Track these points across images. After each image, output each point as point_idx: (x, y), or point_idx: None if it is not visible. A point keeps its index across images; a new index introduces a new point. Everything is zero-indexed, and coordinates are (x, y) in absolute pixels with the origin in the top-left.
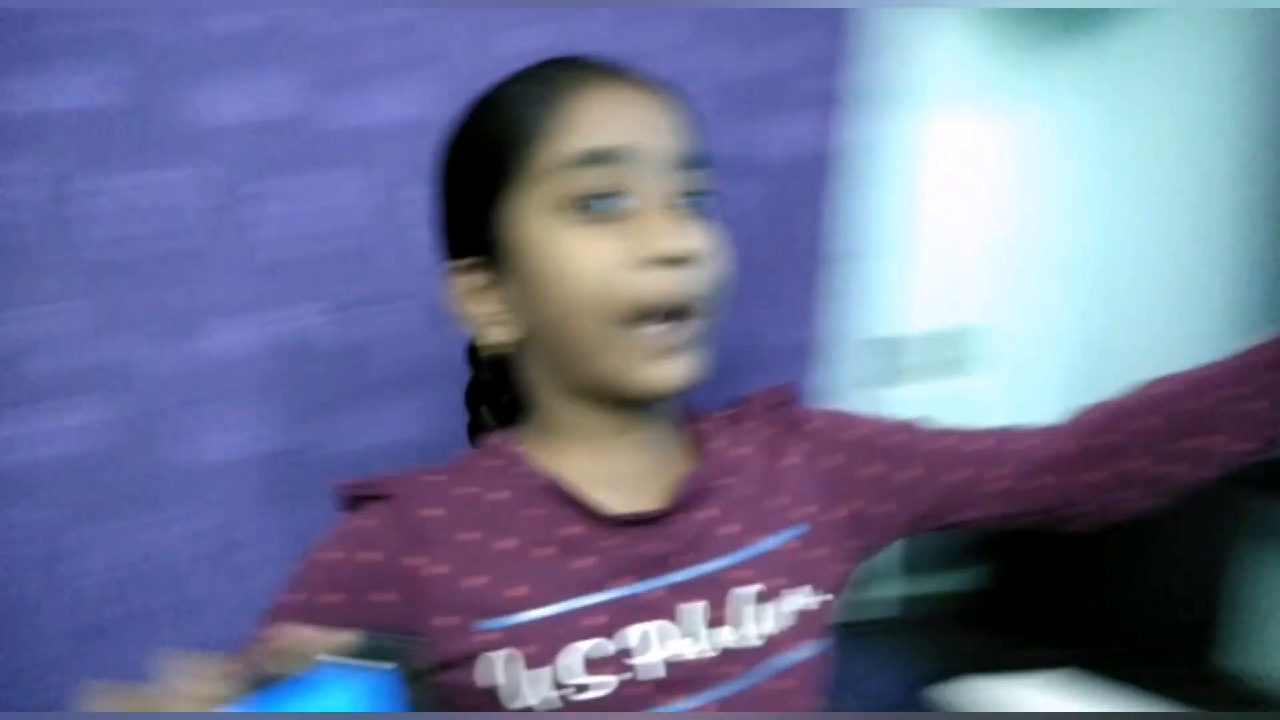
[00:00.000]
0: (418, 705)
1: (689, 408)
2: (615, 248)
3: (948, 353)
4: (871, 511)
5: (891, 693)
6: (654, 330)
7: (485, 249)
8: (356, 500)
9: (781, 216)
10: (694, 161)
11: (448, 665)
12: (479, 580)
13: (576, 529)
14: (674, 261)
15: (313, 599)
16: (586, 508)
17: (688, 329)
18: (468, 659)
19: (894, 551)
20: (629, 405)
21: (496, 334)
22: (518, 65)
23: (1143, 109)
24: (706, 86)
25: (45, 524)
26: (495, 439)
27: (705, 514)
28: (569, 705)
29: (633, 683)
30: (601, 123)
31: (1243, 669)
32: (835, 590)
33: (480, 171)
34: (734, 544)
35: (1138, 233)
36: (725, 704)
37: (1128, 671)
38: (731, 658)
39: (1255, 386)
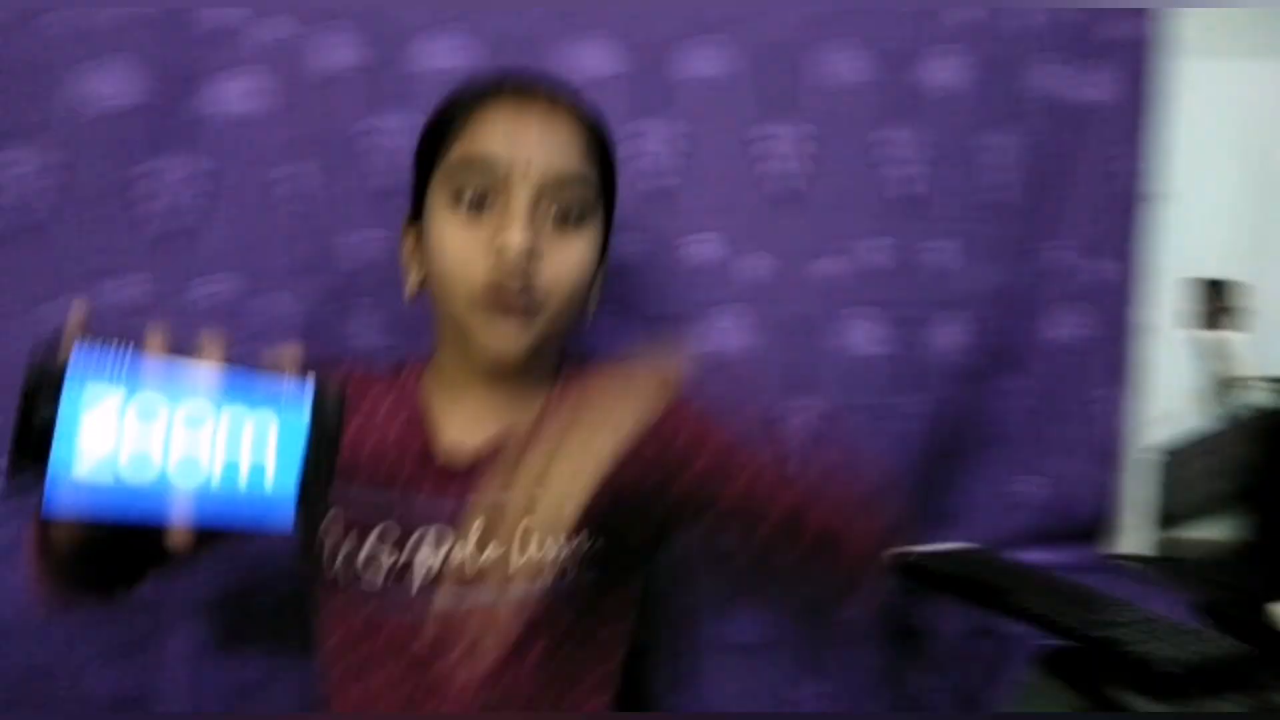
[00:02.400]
0: (324, 410)
1: (586, 364)
2: (473, 237)
3: (1217, 302)
4: (664, 489)
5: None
6: (493, 306)
7: (419, 215)
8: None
9: (1097, 155)
10: (569, 178)
11: None
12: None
13: (416, 445)
14: (508, 254)
15: None
16: (428, 437)
17: (522, 309)
18: None
19: (1149, 499)
20: (483, 361)
21: (412, 279)
22: None
23: None
24: (1017, 32)
25: None
26: (415, 359)
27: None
28: (364, 570)
29: (410, 571)
30: (487, 134)
31: None
32: (611, 544)
33: (421, 156)
34: (526, 484)
35: None
36: (480, 607)
37: None
38: (491, 572)
39: None
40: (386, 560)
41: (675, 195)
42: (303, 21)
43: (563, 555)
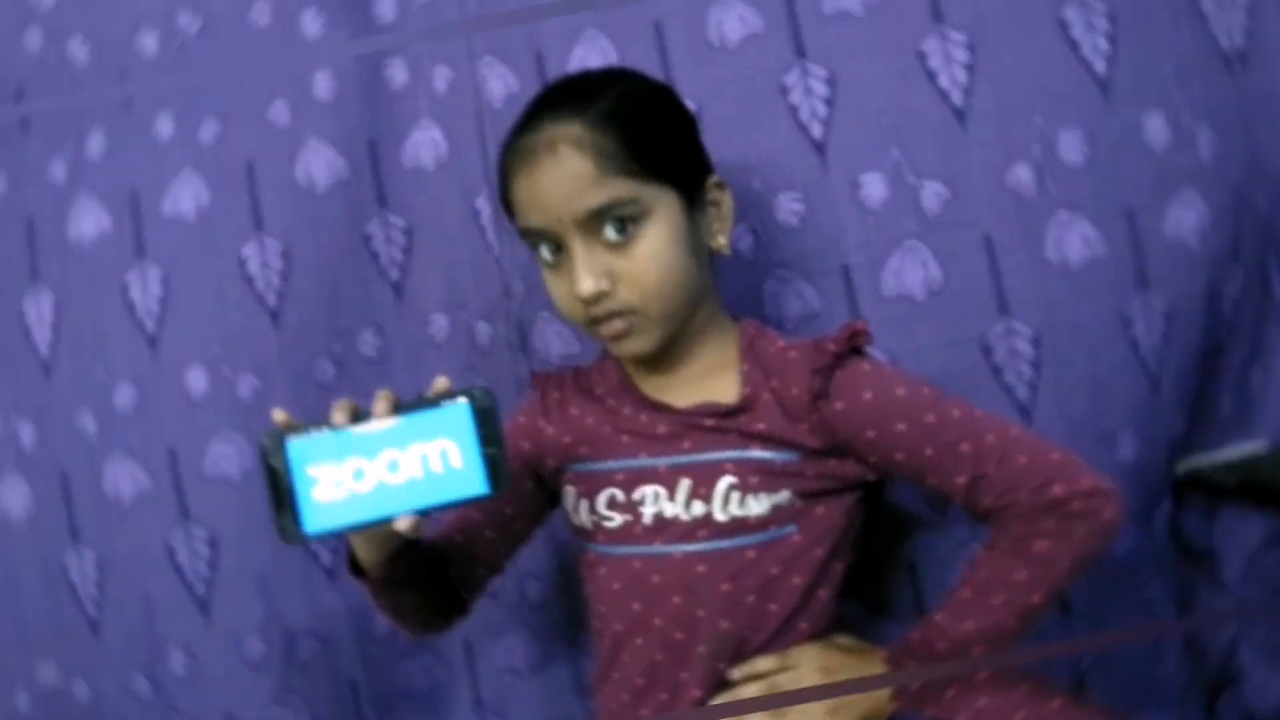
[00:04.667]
0: (480, 409)
1: (765, 334)
2: (562, 283)
3: None
4: (855, 452)
5: None
6: (598, 333)
7: None
8: (534, 382)
9: None
10: (599, 206)
11: (553, 490)
12: (568, 439)
13: (627, 411)
14: (583, 299)
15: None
16: (637, 394)
17: (625, 324)
18: (559, 487)
19: None
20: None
21: None
22: None
23: None
24: None
25: None
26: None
27: (713, 420)
28: (597, 528)
29: (635, 524)
30: (521, 209)
31: None
32: (818, 501)
33: None
34: (727, 446)
35: None
36: (695, 555)
37: None
38: (702, 524)
39: None
40: (617, 516)
41: (829, 141)
42: None
43: (765, 512)
